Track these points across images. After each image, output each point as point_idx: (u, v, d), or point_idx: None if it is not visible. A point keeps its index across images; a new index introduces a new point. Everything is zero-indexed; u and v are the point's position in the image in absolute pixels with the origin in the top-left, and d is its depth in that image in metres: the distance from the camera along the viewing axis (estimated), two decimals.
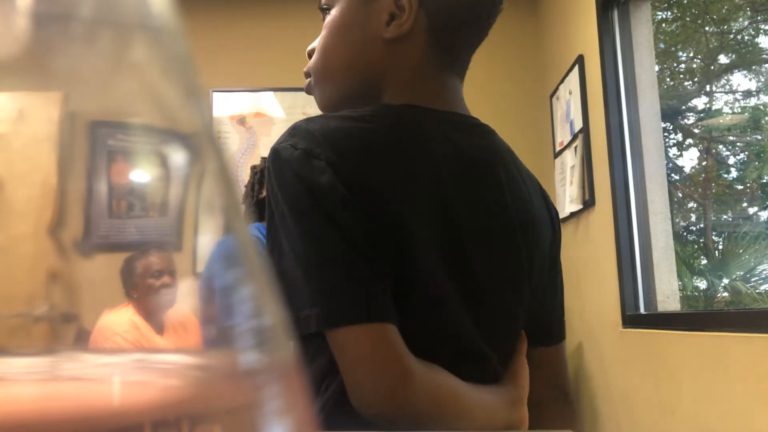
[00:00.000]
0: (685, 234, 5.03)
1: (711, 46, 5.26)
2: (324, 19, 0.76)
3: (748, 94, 5.16)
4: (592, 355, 2.66)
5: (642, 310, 2.30)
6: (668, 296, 2.27)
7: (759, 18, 4.79)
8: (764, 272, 4.52)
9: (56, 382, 0.13)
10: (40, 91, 0.14)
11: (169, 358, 0.14)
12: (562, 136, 3.00)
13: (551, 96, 3.19)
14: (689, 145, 5.33)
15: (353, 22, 0.73)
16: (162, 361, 0.14)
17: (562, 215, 2.91)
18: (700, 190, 5.27)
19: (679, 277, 2.58)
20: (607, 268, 2.47)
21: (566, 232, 2.97)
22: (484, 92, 3.12)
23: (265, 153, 2.02)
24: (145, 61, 0.14)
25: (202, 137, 0.15)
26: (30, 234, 0.13)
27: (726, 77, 5.26)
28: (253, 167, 1.90)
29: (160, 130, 0.14)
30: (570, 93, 2.89)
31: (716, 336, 1.73)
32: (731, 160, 5.27)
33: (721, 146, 5.22)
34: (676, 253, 2.39)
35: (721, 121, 5.22)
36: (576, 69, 2.78)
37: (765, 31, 4.97)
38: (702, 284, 4.58)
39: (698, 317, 2.00)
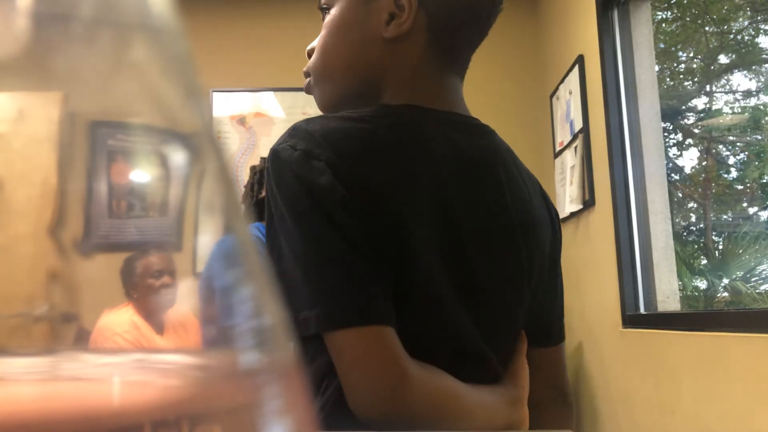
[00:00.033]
0: (685, 234, 5.03)
1: (711, 46, 5.26)
2: (323, 19, 0.76)
3: (748, 94, 5.16)
4: (592, 355, 2.66)
5: (642, 310, 2.30)
6: (668, 296, 2.27)
7: (759, 18, 4.79)
8: (764, 272, 4.52)
9: (56, 382, 0.13)
10: (40, 91, 0.14)
11: (169, 358, 0.14)
12: (562, 136, 3.00)
13: (551, 96, 3.19)
14: (689, 145, 5.33)
15: (353, 21, 0.73)
16: (162, 361, 0.14)
17: (562, 215, 2.91)
18: (700, 190, 5.27)
19: (679, 277, 2.58)
20: (607, 268, 2.47)
21: (566, 232, 2.97)
22: (484, 92, 3.12)
23: (265, 153, 2.02)
24: (145, 61, 0.14)
25: (202, 137, 0.15)
26: (30, 234, 0.13)
27: (726, 77, 5.26)
28: (253, 167, 1.90)
29: (160, 130, 0.14)
30: (570, 93, 2.89)
31: (716, 336, 1.73)
32: (731, 160, 5.27)
33: (721, 146, 5.22)
34: (676, 253, 2.39)
35: (721, 121, 5.22)
36: (576, 69, 2.78)
37: (765, 31, 4.97)
38: (702, 284, 4.58)
39: (698, 317, 2.01)
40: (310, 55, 0.78)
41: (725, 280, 4.45)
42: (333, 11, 0.75)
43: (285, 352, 0.14)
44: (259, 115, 3.40)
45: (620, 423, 2.38)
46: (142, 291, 0.14)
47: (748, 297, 4.20)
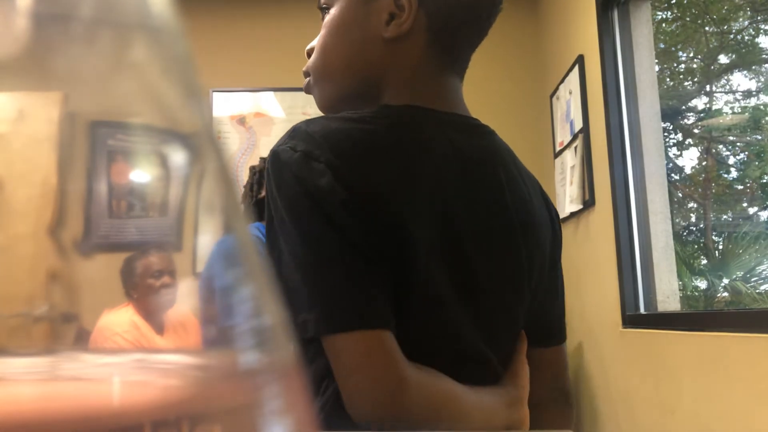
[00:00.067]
0: (685, 234, 5.03)
1: (711, 46, 5.27)
2: (323, 19, 0.76)
3: (748, 94, 5.16)
4: (592, 355, 2.66)
5: (642, 310, 2.30)
6: (668, 296, 2.27)
7: (759, 18, 4.79)
8: (764, 272, 4.52)
9: (56, 382, 0.13)
10: (40, 91, 0.14)
11: (169, 358, 0.14)
12: (562, 136, 3.00)
13: (551, 96, 3.19)
14: (689, 145, 5.33)
15: (353, 21, 0.73)
16: (162, 361, 0.14)
17: (562, 215, 2.91)
18: (700, 190, 5.27)
19: (679, 277, 2.58)
20: (607, 268, 2.47)
21: (566, 232, 2.97)
22: (484, 92, 3.12)
23: (265, 153, 2.02)
24: (145, 61, 0.14)
25: (202, 137, 0.15)
26: (30, 234, 0.13)
27: (726, 77, 5.26)
28: (252, 167, 1.90)
29: (160, 130, 0.14)
30: (570, 93, 2.89)
31: (716, 336, 1.73)
32: (731, 160, 5.27)
33: (721, 146, 5.22)
34: (676, 253, 2.39)
35: (721, 121, 5.22)
36: (576, 69, 2.78)
37: (765, 31, 4.97)
38: (702, 284, 4.58)
39: (698, 317, 2.01)
40: (309, 55, 0.78)
41: (725, 280, 4.45)
42: (333, 11, 0.75)
43: (285, 352, 0.14)
44: (259, 115, 3.40)
45: (620, 423, 2.38)
46: (142, 291, 0.14)
47: (748, 297, 4.20)
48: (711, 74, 5.20)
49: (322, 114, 0.77)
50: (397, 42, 0.72)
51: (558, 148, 3.06)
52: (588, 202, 2.65)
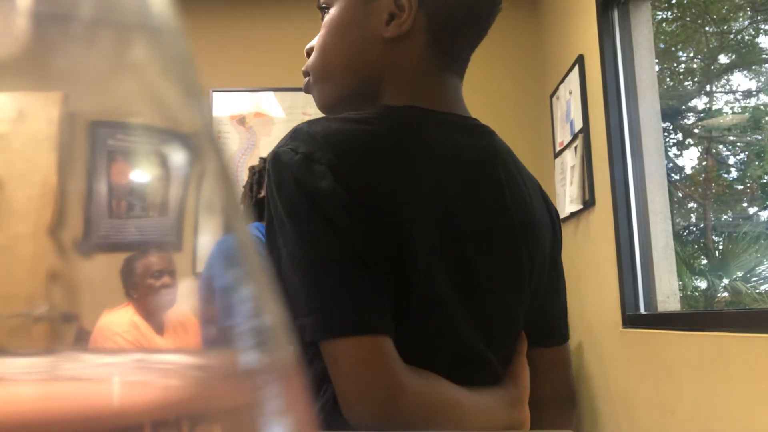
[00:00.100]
0: (685, 234, 5.03)
1: (711, 46, 5.26)
2: (322, 18, 0.76)
3: (748, 94, 5.16)
4: (592, 355, 2.66)
5: (642, 310, 2.30)
6: (668, 296, 2.27)
7: (759, 18, 4.79)
8: (764, 272, 4.52)
9: (56, 382, 0.13)
10: (40, 91, 0.14)
11: (169, 358, 0.14)
12: (562, 136, 3.01)
13: (551, 96, 3.19)
14: (689, 145, 5.33)
15: (352, 21, 0.73)
16: (162, 361, 0.14)
17: (562, 215, 2.91)
18: (700, 190, 5.27)
19: (679, 277, 2.58)
20: (607, 268, 2.47)
21: (566, 232, 2.97)
22: (484, 92, 3.12)
23: (265, 153, 2.02)
24: (145, 61, 0.14)
25: (202, 137, 0.15)
26: (30, 234, 0.13)
27: (726, 77, 5.26)
28: (252, 167, 1.90)
29: (160, 130, 0.14)
30: (570, 93, 2.89)
31: (716, 336, 1.73)
32: (731, 160, 5.27)
33: (721, 146, 5.22)
34: (676, 253, 2.39)
35: (721, 121, 5.22)
36: (576, 69, 2.78)
37: (765, 31, 4.97)
38: (702, 284, 4.58)
39: (698, 317, 2.01)
40: (309, 54, 0.78)
41: (725, 280, 4.45)
42: (332, 11, 0.75)
43: (285, 352, 0.14)
44: (259, 115, 3.40)
45: (620, 423, 2.38)
46: (142, 291, 0.14)
47: (748, 297, 4.20)
48: (711, 74, 5.20)
49: (322, 113, 0.77)
50: (397, 42, 0.71)
51: (558, 148, 3.06)
52: (588, 202, 2.65)
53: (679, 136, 5.27)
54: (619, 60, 2.46)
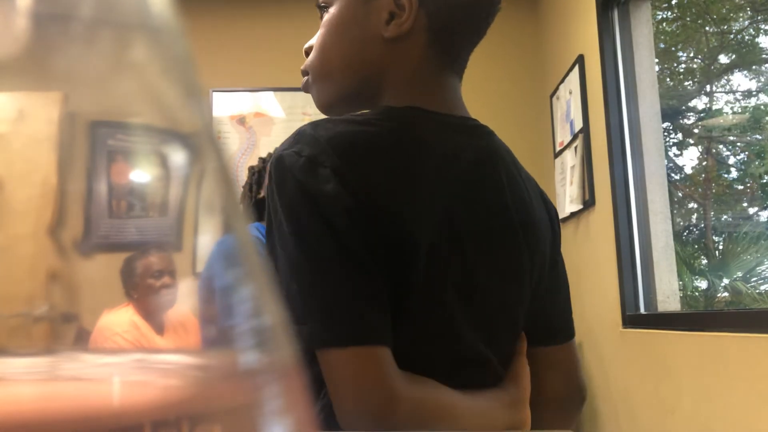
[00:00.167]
0: (685, 234, 5.03)
1: (711, 46, 5.27)
2: (321, 17, 0.76)
3: (748, 94, 5.16)
4: (592, 355, 2.66)
5: (642, 310, 2.30)
6: (668, 296, 2.27)
7: (759, 18, 4.79)
8: (764, 272, 4.52)
9: (56, 382, 0.13)
10: (40, 91, 0.14)
11: (169, 358, 0.14)
12: (562, 136, 3.01)
13: (551, 96, 3.19)
14: (689, 145, 5.33)
15: (352, 20, 0.73)
16: (162, 361, 0.14)
17: (562, 215, 2.91)
18: (700, 190, 5.27)
19: (680, 277, 2.58)
20: (607, 268, 2.47)
21: (566, 232, 2.97)
22: (484, 92, 3.12)
23: (265, 153, 2.02)
24: (145, 61, 0.14)
25: (202, 137, 0.15)
26: (30, 234, 0.13)
27: (726, 77, 5.26)
28: (251, 167, 1.90)
29: (160, 130, 0.14)
30: (570, 93, 2.89)
31: (716, 336, 1.73)
32: (731, 160, 5.27)
33: (721, 146, 5.22)
34: (676, 253, 2.39)
35: (721, 121, 5.22)
36: (576, 69, 2.78)
37: (765, 31, 4.97)
38: (702, 284, 4.58)
39: (698, 317, 2.01)
40: (307, 53, 0.78)
41: (725, 280, 4.45)
42: (332, 9, 0.74)
43: (285, 352, 0.14)
44: (259, 115, 3.40)
45: (620, 423, 2.38)
46: (142, 291, 0.14)
47: (748, 297, 4.20)
48: (711, 74, 5.20)
49: (321, 113, 0.77)
50: (397, 42, 0.71)
51: (558, 148, 3.06)
52: (588, 202, 2.65)
53: (679, 136, 5.28)
54: (619, 60, 2.46)
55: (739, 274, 4.37)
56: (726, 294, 4.41)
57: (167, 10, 0.15)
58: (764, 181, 5.01)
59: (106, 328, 0.13)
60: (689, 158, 6.01)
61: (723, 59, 5.35)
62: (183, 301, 0.14)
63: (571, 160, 2.84)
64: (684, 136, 5.29)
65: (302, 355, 0.66)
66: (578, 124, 2.76)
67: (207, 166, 0.15)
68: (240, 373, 0.13)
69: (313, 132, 0.64)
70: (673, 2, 4.94)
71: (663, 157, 2.41)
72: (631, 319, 2.31)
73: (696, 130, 5.20)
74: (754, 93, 5.09)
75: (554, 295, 0.80)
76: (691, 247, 4.89)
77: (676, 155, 5.35)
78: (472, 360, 0.68)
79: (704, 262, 4.75)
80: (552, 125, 3.18)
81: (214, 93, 3.36)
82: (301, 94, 0.84)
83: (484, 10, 0.74)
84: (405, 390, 0.58)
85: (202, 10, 3.37)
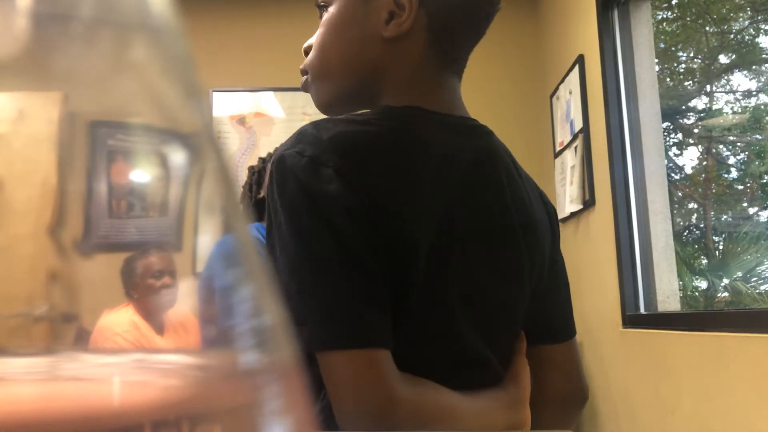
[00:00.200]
0: (685, 234, 5.03)
1: (711, 46, 5.27)
2: (321, 17, 0.76)
3: (748, 94, 5.16)
4: (592, 355, 2.66)
5: (642, 310, 2.30)
6: (668, 296, 2.27)
7: (759, 18, 4.79)
8: (764, 272, 4.52)
9: (56, 382, 0.13)
10: (40, 91, 0.14)
11: (169, 358, 0.14)
12: (562, 136, 3.01)
13: (551, 96, 3.19)
14: (689, 145, 5.33)
15: (351, 19, 0.73)
16: (162, 361, 0.14)
17: (562, 215, 2.91)
18: (700, 190, 5.27)
19: (680, 277, 2.58)
20: (607, 268, 2.47)
21: (566, 232, 2.97)
22: (484, 92, 3.12)
23: (265, 153, 2.02)
24: (145, 61, 0.14)
25: (202, 137, 0.15)
26: (30, 234, 0.13)
27: (726, 77, 5.26)
28: (251, 167, 1.90)
29: (160, 130, 0.14)
30: (570, 93, 2.89)
31: (716, 336, 1.73)
32: (731, 160, 5.27)
33: (721, 146, 5.23)
34: (676, 253, 2.39)
35: (721, 121, 5.22)
36: (576, 69, 2.78)
37: (765, 31, 4.97)
38: (702, 284, 4.58)
39: (698, 317, 2.01)
40: (307, 53, 0.78)
41: (725, 280, 4.45)
42: (331, 9, 0.74)
43: (285, 352, 0.14)
44: (259, 115, 3.40)
45: (620, 423, 2.38)
46: (142, 291, 0.14)
47: (748, 297, 4.20)
48: (711, 74, 5.20)
49: (320, 112, 0.77)
50: (397, 41, 0.71)
51: (558, 148, 3.06)
52: (588, 202, 2.65)
53: (679, 136, 5.28)
54: (619, 60, 2.46)
55: (739, 274, 4.36)
56: (726, 294, 4.41)
57: (167, 10, 0.15)
58: (764, 181, 5.01)
59: (106, 328, 0.13)
60: (689, 158, 6.01)
61: (723, 59, 5.35)
62: (183, 301, 0.14)
63: (571, 160, 2.84)
64: (684, 136, 5.30)
65: (302, 355, 0.66)
66: (578, 124, 2.76)
67: (207, 166, 0.15)
68: (240, 373, 0.13)
69: (315, 132, 0.63)
70: (673, 2, 4.95)
71: (663, 157, 2.41)
72: (631, 319, 2.31)
73: (696, 130, 5.20)
74: (754, 93, 5.09)
75: (554, 294, 0.80)
76: (691, 247, 4.89)
77: (676, 155, 5.35)
78: (472, 360, 0.68)
79: (704, 262, 4.75)
80: (552, 125, 3.18)
81: (214, 93, 3.36)
82: (301, 94, 0.84)
83: (484, 10, 0.74)
84: (404, 391, 0.58)
85: (202, 10, 3.37)
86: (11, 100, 0.13)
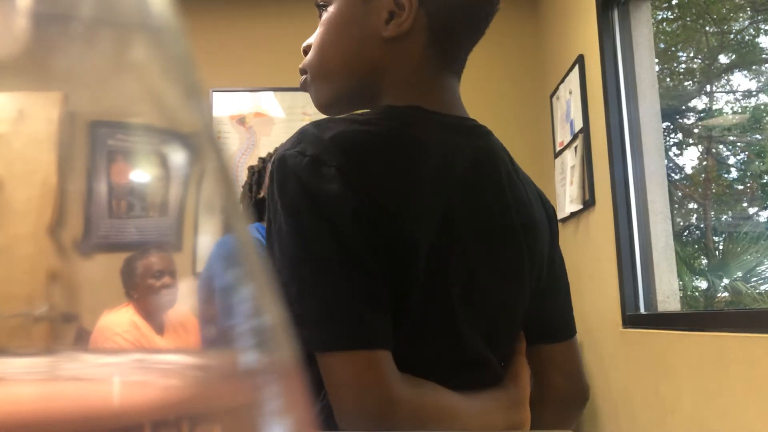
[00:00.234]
0: (685, 234, 5.03)
1: (711, 46, 5.27)
2: (320, 16, 0.76)
3: (748, 94, 5.16)
4: (592, 355, 2.66)
5: (642, 310, 2.30)
6: (668, 296, 2.27)
7: (759, 18, 4.79)
8: (764, 272, 4.52)
9: (56, 382, 0.13)
10: (40, 91, 0.14)
11: (169, 358, 0.14)
12: (562, 136, 3.01)
13: (551, 96, 3.19)
14: (689, 145, 5.33)
15: (351, 19, 0.73)
16: (162, 361, 0.14)
17: (562, 215, 2.91)
18: (700, 190, 5.27)
19: (680, 277, 2.58)
20: (607, 268, 2.47)
21: (566, 232, 2.97)
22: (484, 92, 3.12)
23: (265, 153, 2.02)
24: (145, 61, 0.14)
25: (202, 137, 0.15)
26: (30, 234, 0.13)
27: (726, 77, 5.26)
28: (251, 167, 1.90)
29: (160, 130, 0.14)
30: (570, 93, 2.89)
31: (716, 336, 1.73)
32: (731, 160, 5.27)
33: (721, 146, 5.22)
34: (676, 253, 2.39)
35: (721, 121, 5.22)
36: (576, 69, 2.78)
37: (765, 31, 4.97)
38: (702, 284, 4.58)
39: (698, 317, 2.01)
40: (306, 52, 0.77)
41: (725, 280, 4.45)
42: (331, 8, 0.74)
43: (285, 352, 0.14)
44: (259, 115, 3.40)
45: (620, 423, 2.38)
46: (142, 291, 0.14)
47: (748, 297, 4.20)
48: (711, 74, 5.20)
49: (320, 112, 0.77)
50: (397, 41, 0.71)
51: (558, 148, 3.06)
52: (588, 202, 2.65)
53: (679, 136, 5.27)
54: (619, 60, 2.46)
55: (739, 274, 4.36)
56: (726, 294, 4.41)
57: (167, 10, 0.15)
58: (764, 181, 5.01)
59: (106, 328, 0.13)
60: (689, 158, 6.01)
61: (723, 59, 5.35)
62: (183, 301, 0.14)
63: (571, 160, 2.84)
64: (684, 136, 5.29)
65: (302, 355, 0.66)
66: (578, 124, 2.76)
67: (207, 166, 0.15)
68: (240, 373, 0.13)
69: (317, 132, 0.63)
70: (673, 2, 4.95)
71: (663, 157, 2.41)
72: (631, 319, 2.31)
73: (696, 130, 5.20)
74: (754, 93, 5.09)
75: (553, 294, 0.80)
76: (691, 247, 4.89)
77: (676, 155, 5.35)
78: (473, 360, 0.68)
79: (704, 262, 4.75)
80: (552, 125, 3.18)
81: (214, 93, 3.36)
82: (301, 94, 0.84)
83: (484, 10, 0.74)
84: (404, 392, 0.58)
85: (202, 10, 3.37)
86: (11, 100, 0.13)
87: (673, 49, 5.12)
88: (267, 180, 1.76)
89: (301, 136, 0.64)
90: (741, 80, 5.29)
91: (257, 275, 0.15)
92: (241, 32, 3.44)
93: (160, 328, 0.14)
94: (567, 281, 0.82)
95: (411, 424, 0.57)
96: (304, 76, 0.77)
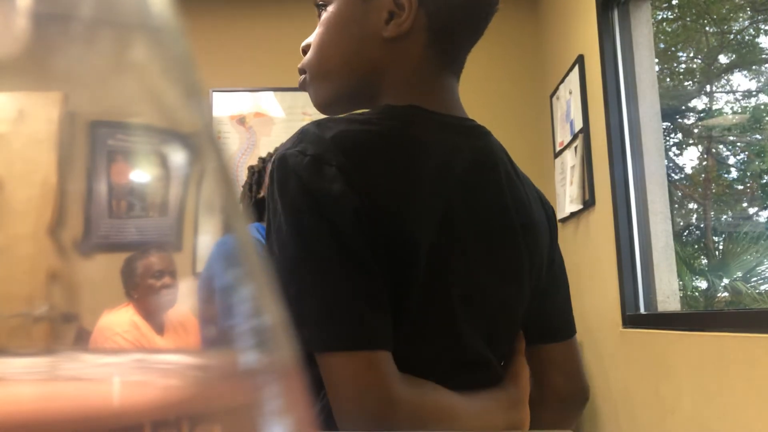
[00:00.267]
0: (685, 234, 5.03)
1: (711, 46, 5.27)
2: (319, 16, 0.76)
3: (748, 94, 5.16)
4: (592, 355, 2.66)
5: (642, 310, 2.30)
6: (668, 296, 2.27)
7: (759, 18, 4.79)
8: (764, 272, 4.52)
9: (56, 382, 0.13)
10: (40, 91, 0.14)
11: (169, 358, 0.14)
12: (562, 136, 3.01)
13: (551, 96, 3.19)
14: (689, 145, 5.33)
15: (351, 18, 0.73)
16: (162, 361, 0.14)
17: (562, 215, 2.91)
18: (700, 190, 5.27)
19: (680, 277, 2.58)
20: (607, 268, 2.47)
21: (566, 232, 2.97)
22: (484, 92, 3.12)
23: (265, 153, 2.02)
24: (145, 61, 0.14)
25: (202, 137, 0.15)
26: (30, 234, 0.13)
27: (726, 77, 5.26)
28: (251, 167, 1.90)
29: (160, 130, 0.14)
30: (570, 93, 2.89)
31: (716, 336, 1.73)
32: (731, 160, 5.27)
33: (721, 146, 5.22)
34: (676, 253, 2.39)
35: (721, 121, 5.22)
36: (576, 69, 2.78)
37: (765, 31, 4.97)
38: (702, 284, 4.58)
39: (698, 317, 2.01)
40: (305, 52, 0.77)
41: (725, 280, 4.45)
42: (330, 8, 0.74)
43: (285, 352, 0.14)
44: (259, 115, 3.40)
45: (620, 423, 2.38)
46: (142, 291, 0.14)
47: (748, 297, 4.20)
48: (711, 74, 5.20)
49: (319, 111, 0.77)
50: (397, 41, 0.71)
51: (558, 148, 3.06)
52: (588, 202, 2.65)
53: (679, 136, 5.27)
54: (619, 60, 2.46)
55: (739, 274, 4.36)
56: (726, 294, 4.41)
57: (167, 10, 0.15)
58: (764, 181, 5.01)
59: (106, 328, 0.13)
60: (689, 158, 6.01)
61: (723, 59, 5.35)
62: (183, 301, 0.14)
63: (571, 160, 2.84)
64: (684, 136, 5.29)
65: (302, 355, 0.66)
66: (578, 124, 2.76)
67: (207, 166, 0.15)
68: (240, 373, 0.13)
69: (318, 131, 0.63)
70: (673, 2, 4.95)
71: (663, 157, 2.41)
72: (631, 319, 2.31)
73: (696, 130, 5.20)
74: (754, 93, 5.09)
75: (553, 293, 0.80)
76: (691, 247, 4.89)
77: (676, 155, 5.35)
78: (473, 360, 0.68)
79: (704, 262, 4.75)
80: (552, 125, 3.18)
81: (214, 93, 3.36)
82: (301, 94, 0.84)
83: (484, 10, 0.74)
84: (404, 392, 0.58)
85: (202, 10, 3.37)
86: (11, 100, 0.13)
87: (673, 49, 5.12)
88: (267, 180, 1.76)
89: (302, 135, 0.64)
90: (741, 80, 5.29)
91: (257, 275, 0.15)
92: (241, 32, 3.44)
93: (160, 328, 0.14)
94: (567, 281, 0.82)
95: (411, 424, 0.57)
96: (303, 76, 0.77)
